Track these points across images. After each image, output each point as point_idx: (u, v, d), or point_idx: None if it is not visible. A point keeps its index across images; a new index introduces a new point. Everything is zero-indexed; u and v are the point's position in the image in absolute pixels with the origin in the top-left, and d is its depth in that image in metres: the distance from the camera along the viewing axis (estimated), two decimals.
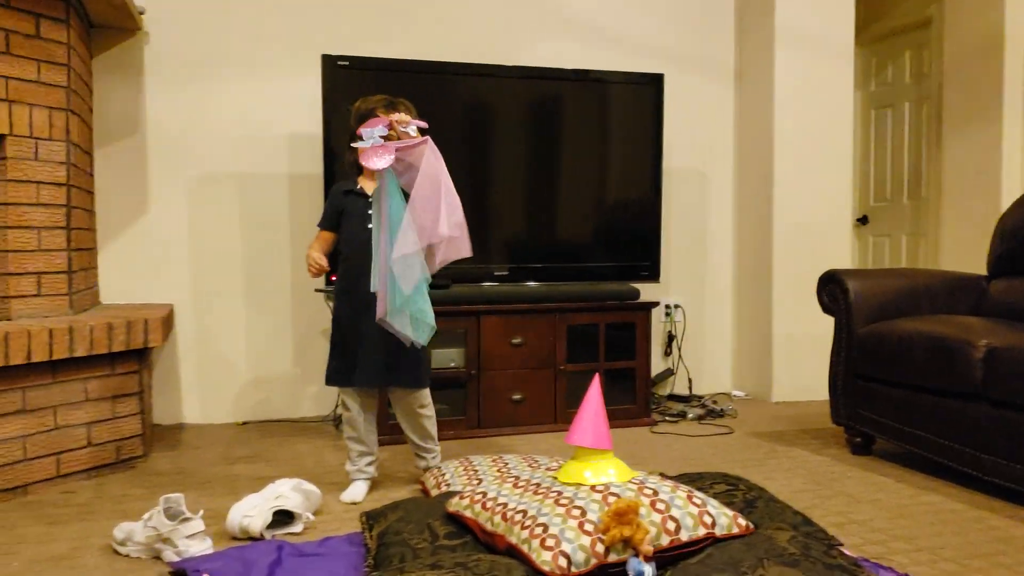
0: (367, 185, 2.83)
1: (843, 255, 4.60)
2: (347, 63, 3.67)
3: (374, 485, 2.91)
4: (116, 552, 2.31)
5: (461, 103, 3.93)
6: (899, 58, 5.35)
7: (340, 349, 2.83)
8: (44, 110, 3.10)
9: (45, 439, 2.88)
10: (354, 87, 3.63)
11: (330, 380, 2.87)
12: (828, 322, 3.57)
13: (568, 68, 4.09)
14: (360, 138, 2.49)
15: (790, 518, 2.27)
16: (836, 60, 4.55)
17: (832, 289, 3.48)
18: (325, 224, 2.92)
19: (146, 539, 2.26)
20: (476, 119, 3.95)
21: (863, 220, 5.57)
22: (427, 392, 2.91)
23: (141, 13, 3.75)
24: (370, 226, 2.71)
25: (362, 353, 2.77)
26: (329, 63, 3.65)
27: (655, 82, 4.14)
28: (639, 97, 4.13)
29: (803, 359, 4.52)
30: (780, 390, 4.53)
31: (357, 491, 2.80)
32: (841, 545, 2.23)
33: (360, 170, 2.82)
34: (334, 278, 3.66)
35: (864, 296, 3.39)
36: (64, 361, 2.92)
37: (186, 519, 2.23)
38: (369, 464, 2.87)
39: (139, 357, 3.21)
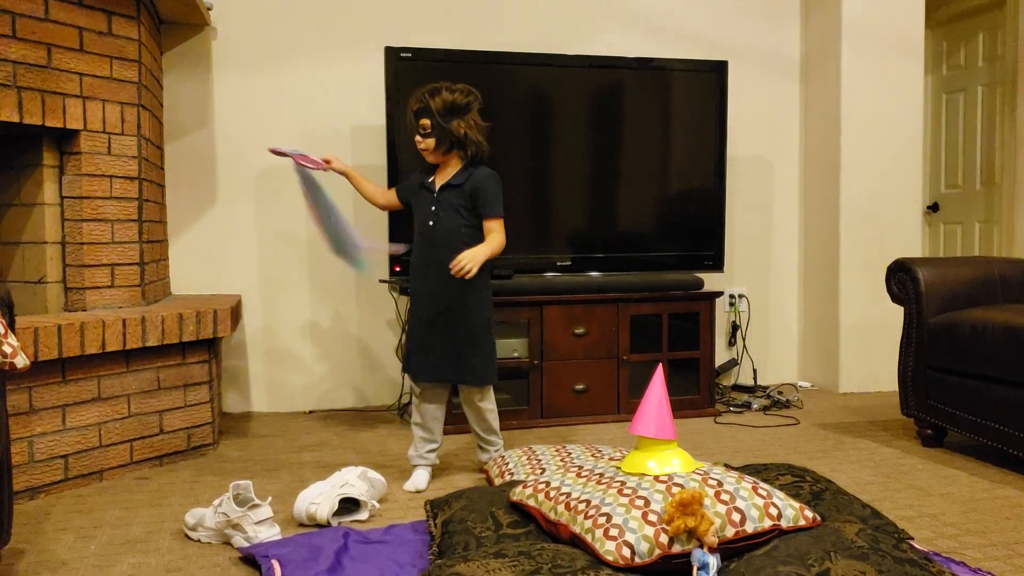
0: (436, 179, 2.84)
1: (913, 243, 4.50)
2: (409, 55, 3.69)
3: (438, 474, 2.93)
4: (187, 537, 2.37)
5: (523, 93, 3.92)
6: (971, 40, 5.19)
7: (415, 342, 2.86)
8: (116, 106, 3.17)
9: (119, 426, 2.97)
10: (417, 79, 3.64)
11: (407, 369, 2.92)
12: (897, 312, 3.50)
13: (630, 56, 4.06)
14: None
15: (858, 511, 2.24)
16: (905, 43, 4.44)
17: (901, 278, 3.40)
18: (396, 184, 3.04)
19: (216, 524, 2.31)
20: (538, 109, 3.94)
21: (933, 207, 5.43)
22: (491, 388, 2.93)
23: (209, 9, 3.82)
24: (431, 223, 2.78)
25: (433, 349, 2.80)
26: (392, 55, 3.68)
27: (719, 69, 4.08)
28: (702, 85, 4.08)
29: (871, 349, 4.43)
30: (847, 381, 4.45)
31: (420, 479, 2.83)
32: (911, 539, 2.19)
33: (431, 165, 2.85)
34: (397, 268, 3.71)
35: (935, 285, 3.31)
36: (137, 351, 2.99)
37: (255, 505, 2.28)
38: (431, 451, 2.89)
39: (209, 347, 3.28)
